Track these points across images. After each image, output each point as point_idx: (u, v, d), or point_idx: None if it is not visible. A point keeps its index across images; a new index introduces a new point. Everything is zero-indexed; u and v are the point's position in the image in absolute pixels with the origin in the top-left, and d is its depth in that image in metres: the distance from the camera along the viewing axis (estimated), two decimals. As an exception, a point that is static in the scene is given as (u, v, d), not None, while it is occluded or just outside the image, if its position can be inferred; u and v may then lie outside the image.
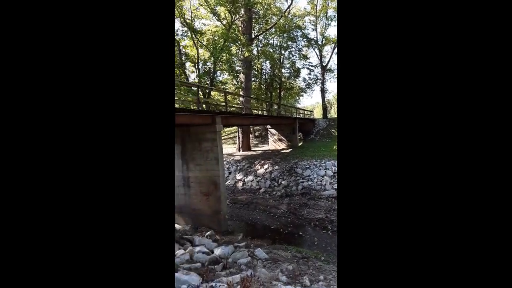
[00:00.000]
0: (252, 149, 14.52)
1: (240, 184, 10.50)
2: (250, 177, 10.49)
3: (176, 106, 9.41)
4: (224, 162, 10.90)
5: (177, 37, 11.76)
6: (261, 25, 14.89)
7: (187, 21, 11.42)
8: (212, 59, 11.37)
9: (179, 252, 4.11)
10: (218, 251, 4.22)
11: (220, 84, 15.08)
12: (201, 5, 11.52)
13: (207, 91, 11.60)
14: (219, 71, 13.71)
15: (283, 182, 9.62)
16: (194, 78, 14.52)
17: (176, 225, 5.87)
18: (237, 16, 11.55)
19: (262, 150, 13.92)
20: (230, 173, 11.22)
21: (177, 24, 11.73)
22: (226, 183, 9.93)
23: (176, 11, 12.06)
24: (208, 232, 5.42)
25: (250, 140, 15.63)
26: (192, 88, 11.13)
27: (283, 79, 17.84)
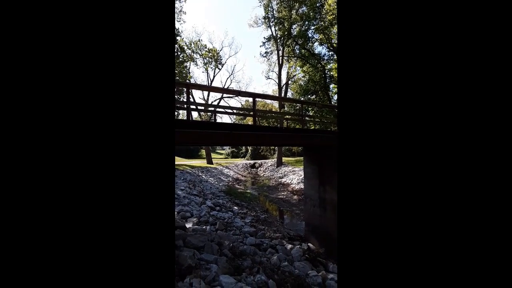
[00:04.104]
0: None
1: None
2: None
3: (317, 127, 9.85)
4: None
5: (322, 62, 12.41)
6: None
7: (334, 45, 11.83)
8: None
9: (311, 272, 4.14)
10: (353, 287, 3.83)
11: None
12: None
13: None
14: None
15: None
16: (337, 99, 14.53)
17: (310, 245, 5.95)
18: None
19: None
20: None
21: (323, 49, 12.42)
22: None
23: (323, 37, 12.85)
24: (343, 262, 5.06)
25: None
26: (335, 109, 11.20)
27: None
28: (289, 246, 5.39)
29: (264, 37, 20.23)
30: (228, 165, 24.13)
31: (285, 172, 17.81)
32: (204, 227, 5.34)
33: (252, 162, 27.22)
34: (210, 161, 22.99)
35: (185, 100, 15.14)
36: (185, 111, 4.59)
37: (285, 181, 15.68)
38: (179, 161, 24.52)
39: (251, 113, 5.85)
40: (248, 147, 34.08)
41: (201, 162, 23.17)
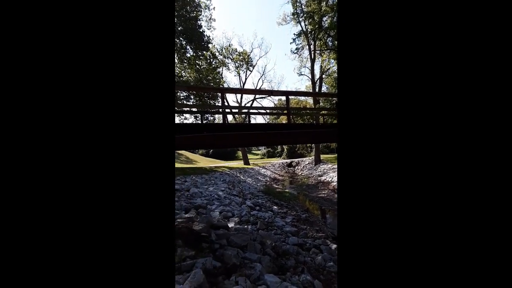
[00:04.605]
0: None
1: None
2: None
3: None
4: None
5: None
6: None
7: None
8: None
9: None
10: None
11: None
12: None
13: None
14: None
15: None
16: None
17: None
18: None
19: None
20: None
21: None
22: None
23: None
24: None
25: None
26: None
27: None
28: (334, 246, 5.17)
29: (294, 33, 19.94)
30: (264, 165, 24.29)
31: (325, 170, 17.21)
32: (245, 226, 5.44)
33: (288, 161, 26.94)
34: (247, 162, 23.43)
35: (219, 104, 15.68)
36: (221, 115, 4.77)
37: (325, 179, 15.14)
38: (217, 163, 25.51)
39: (285, 111, 5.77)
40: (283, 146, 33.86)
41: (238, 163, 23.76)
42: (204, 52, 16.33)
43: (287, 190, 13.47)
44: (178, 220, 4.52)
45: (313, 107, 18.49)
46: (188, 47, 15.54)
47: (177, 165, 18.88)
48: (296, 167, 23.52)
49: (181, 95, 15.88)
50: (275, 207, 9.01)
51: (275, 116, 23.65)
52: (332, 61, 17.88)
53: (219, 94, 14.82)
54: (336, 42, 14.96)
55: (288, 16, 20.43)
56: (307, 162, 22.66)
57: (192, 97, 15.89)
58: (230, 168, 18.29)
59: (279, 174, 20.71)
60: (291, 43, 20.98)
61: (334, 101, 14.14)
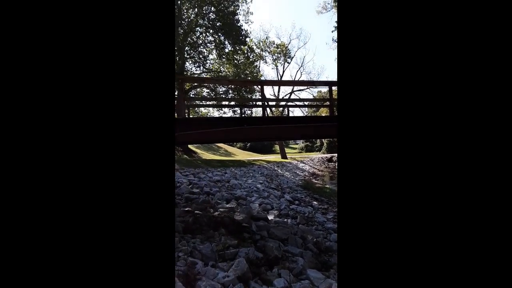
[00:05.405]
0: None
1: None
2: None
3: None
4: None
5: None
6: None
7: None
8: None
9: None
10: None
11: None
12: None
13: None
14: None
15: None
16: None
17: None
18: None
19: None
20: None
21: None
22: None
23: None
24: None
25: None
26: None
27: None
28: (381, 246, 4.79)
29: (336, 21, 18.77)
30: (302, 159, 23.75)
31: (368, 165, 16.05)
32: (285, 220, 5.38)
33: (329, 155, 25.88)
34: (284, 156, 23.21)
35: (256, 98, 15.68)
36: (258, 108, 4.74)
37: (369, 175, 14.12)
38: (254, 156, 25.85)
39: (327, 103, 5.48)
40: (323, 140, 32.65)
41: (275, 157, 23.69)
42: (242, 47, 16.45)
43: (327, 186, 12.97)
44: (220, 209, 4.68)
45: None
46: (226, 42, 15.82)
47: (216, 157, 19.68)
48: (337, 163, 22.45)
49: (220, 90, 16.35)
50: (315, 202, 8.75)
51: (314, 109, 22.82)
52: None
53: (257, 88, 14.83)
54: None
55: (328, 3, 19.34)
56: (348, 157, 21.45)
57: (230, 91, 16.24)
58: (268, 162, 18.34)
59: (318, 169, 20.05)
60: (332, 31, 19.88)
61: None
